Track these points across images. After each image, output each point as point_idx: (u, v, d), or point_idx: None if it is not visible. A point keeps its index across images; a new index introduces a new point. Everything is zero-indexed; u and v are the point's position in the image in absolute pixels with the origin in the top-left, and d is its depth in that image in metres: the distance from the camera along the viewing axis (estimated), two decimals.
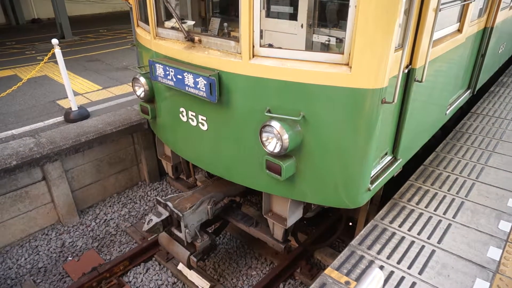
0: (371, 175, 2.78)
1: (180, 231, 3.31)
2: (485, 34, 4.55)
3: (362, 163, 2.62)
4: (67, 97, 5.35)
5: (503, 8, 4.84)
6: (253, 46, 2.52)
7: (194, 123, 3.16)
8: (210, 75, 2.65)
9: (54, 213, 4.88)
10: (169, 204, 3.28)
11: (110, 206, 5.30)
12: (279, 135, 2.51)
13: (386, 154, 3.04)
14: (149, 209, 5.28)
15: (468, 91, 4.79)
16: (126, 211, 5.22)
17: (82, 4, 15.99)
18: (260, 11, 2.45)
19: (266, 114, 2.58)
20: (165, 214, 3.32)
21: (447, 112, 4.11)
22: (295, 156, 2.69)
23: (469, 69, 4.60)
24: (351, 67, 2.31)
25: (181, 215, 3.20)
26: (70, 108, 5.32)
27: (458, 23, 3.55)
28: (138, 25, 3.87)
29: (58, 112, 5.68)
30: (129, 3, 3.95)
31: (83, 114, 5.37)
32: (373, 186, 2.78)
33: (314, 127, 2.55)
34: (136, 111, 5.51)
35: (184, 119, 3.24)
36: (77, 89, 6.70)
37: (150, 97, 3.66)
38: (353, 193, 2.73)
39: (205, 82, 2.71)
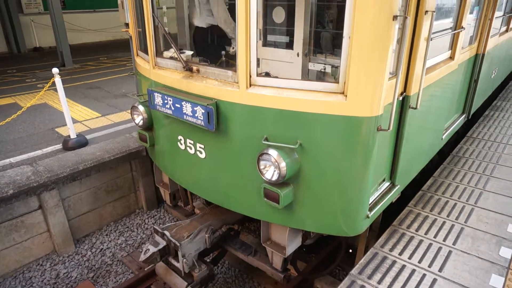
0: (370, 202, 2.77)
1: (178, 261, 3.26)
2: (477, 60, 4.65)
3: (360, 190, 2.62)
4: (66, 125, 5.38)
5: (493, 35, 4.98)
6: (250, 76, 2.57)
7: (192, 151, 3.17)
8: (208, 104, 2.69)
9: (50, 242, 4.80)
10: (167, 233, 3.24)
11: (106, 234, 5.23)
12: (276, 163, 2.51)
13: (384, 180, 3.04)
14: (146, 238, 5.20)
15: (463, 116, 4.84)
16: (123, 239, 5.14)
17: (83, 33, 16.32)
18: (257, 42, 2.52)
19: (264, 142, 2.59)
20: (162, 243, 3.28)
21: (443, 136, 4.15)
22: (293, 184, 2.69)
23: (463, 94, 4.68)
24: (346, 95, 2.35)
25: (178, 244, 3.15)
26: (69, 136, 5.34)
27: (450, 51, 3.64)
28: (137, 55, 3.95)
29: (57, 140, 5.70)
30: (129, 33, 4.04)
31: (81, 142, 5.38)
32: (372, 213, 2.76)
33: (311, 155, 2.56)
34: (135, 138, 5.54)
35: (182, 147, 3.26)
36: (76, 116, 6.75)
37: (148, 125, 3.68)
38: (352, 220, 2.71)
39: (203, 111, 2.74)
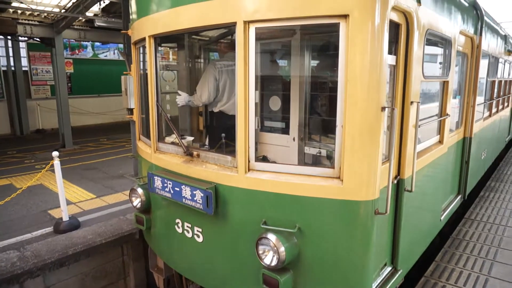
0: (376, 284, 2.66)
1: None
2: (465, 143, 4.86)
3: (362, 276, 2.53)
4: (59, 207, 5.30)
5: (478, 120, 5.27)
6: (249, 161, 2.66)
7: (190, 235, 3.12)
8: (207, 188, 2.73)
9: None
10: None
11: None
12: (275, 247, 2.47)
13: (385, 265, 2.96)
14: None
15: (459, 196, 4.89)
16: None
17: (85, 116, 16.94)
18: (255, 129, 2.66)
19: (262, 226, 2.58)
20: None
21: (442, 218, 4.14)
22: (293, 270, 2.61)
23: (457, 175, 4.78)
24: (342, 180, 2.42)
25: None
26: (61, 218, 5.23)
27: (439, 135, 3.83)
28: (139, 139, 4.09)
29: (48, 223, 5.56)
30: (133, 119, 4.25)
31: (73, 224, 5.24)
32: None
33: (310, 239, 2.53)
34: (129, 220, 5.41)
35: (180, 230, 3.21)
36: (70, 197, 6.68)
37: (146, 208, 3.67)
38: None
39: (202, 195, 2.77)
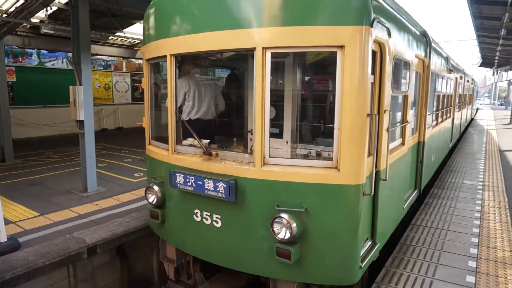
0: (361, 255, 3.42)
1: None
2: (419, 146, 5.87)
3: (354, 244, 3.29)
4: None
5: (428, 127, 6.35)
6: (264, 157, 3.34)
7: (208, 222, 3.71)
8: (229, 180, 3.37)
9: None
10: None
11: None
12: (288, 224, 3.16)
13: (367, 239, 3.74)
14: None
15: (416, 191, 5.88)
16: None
17: (29, 127, 15.69)
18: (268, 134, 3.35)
19: (277, 208, 3.26)
20: None
21: (404, 206, 5.05)
22: (300, 242, 3.30)
23: (413, 173, 5.76)
24: (339, 169, 3.18)
25: None
26: None
27: (401, 138, 4.75)
28: (150, 143, 4.61)
29: None
30: (143, 126, 4.75)
31: (12, 246, 4.83)
32: (363, 264, 3.40)
33: (314, 217, 3.25)
34: (76, 238, 5.22)
35: (198, 219, 3.79)
36: (9, 216, 6.14)
37: (161, 203, 4.19)
38: (349, 270, 3.31)
39: (225, 186, 3.40)
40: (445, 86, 8.56)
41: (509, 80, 38.59)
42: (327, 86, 4.77)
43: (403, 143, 4.76)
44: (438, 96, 7.63)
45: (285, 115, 4.43)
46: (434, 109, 7.23)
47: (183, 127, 4.09)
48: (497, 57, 31.51)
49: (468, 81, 16.78)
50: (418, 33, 5.26)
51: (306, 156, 4.26)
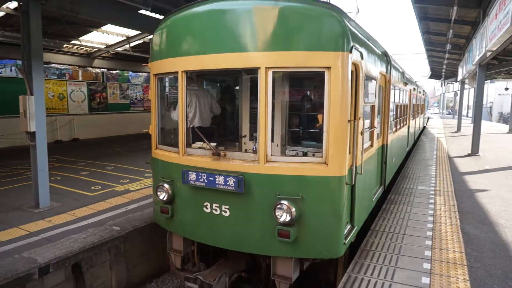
0: (344, 233, 4.25)
1: None
2: (384, 149, 6.89)
3: (339, 224, 4.11)
4: None
5: (390, 133, 7.41)
6: (267, 156, 4.10)
7: (217, 212, 4.39)
8: (238, 175, 4.09)
9: None
10: (200, 277, 4.21)
11: None
12: (288, 209, 3.93)
13: (347, 223, 4.58)
14: None
15: (382, 187, 6.87)
16: None
17: None
18: (270, 138, 4.12)
19: (278, 196, 4.02)
20: (196, 287, 4.20)
21: (373, 199, 5.99)
22: (296, 225, 4.07)
23: (379, 172, 6.76)
24: (327, 164, 4.00)
25: (211, 284, 4.13)
26: None
27: (370, 141, 5.69)
28: (156, 148, 5.21)
29: None
30: (149, 133, 5.32)
31: None
32: (346, 240, 4.23)
33: (308, 203, 4.04)
34: (26, 258, 4.97)
35: (208, 210, 4.45)
36: None
37: (170, 200, 4.80)
38: (336, 246, 4.13)
39: (234, 180, 4.11)
40: (402, 97, 9.80)
41: (455, 91, 42.15)
42: (309, 98, 5.63)
43: (371, 145, 5.70)
44: (397, 106, 8.80)
45: (275, 123, 5.22)
46: (394, 117, 8.36)
47: (191, 132, 4.75)
48: (444, 70, 34.33)
49: (420, 92, 18.60)
50: (381, 53, 6.30)
51: (296, 155, 5.06)
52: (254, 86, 5.38)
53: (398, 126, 9.42)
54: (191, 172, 4.42)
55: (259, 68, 3.99)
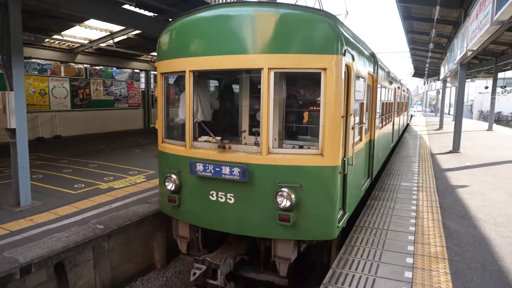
0: (338, 217, 4.74)
1: (215, 280, 4.60)
2: (371, 143, 7.43)
3: (333, 209, 4.59)
4: None
5: (377, 129, 7.95)
6: (268, 148, 4.54)
7: (223, 200, 4.81)
8: (243, 165, 4.52)
9: None
10: (208, 258, 4.63)
11: None
12: (288, 196, 4.38)
13: (340, 209, 5.07)
14: None
15: (369, 179, 7.41)
16: None
17: None
18: (272, 132, 4.56)
19: (279, 184, 4.47)
20: (203, 267, 4.63)
21: (362, 189, 6.51)
22: (295, 210, 4.53)
23: (367, 164, 7.29)
24: (323, 155, 4.47)
25: (219, 264, 4.56)
26: None
27: (359, 135, 6.20)
28: (163, 142, 5.59)
29: None
30: (156, 128, 5.69)
31: None
32: (339, 224, 4.72)
33: (306, 190, 4.50)
34: (6, 258, 4.90)
35: (214, 198, 4.87)
36: None
37: (177, 189, 5.20)
38: (330, 228, 4.61)
39: (239, 170, 4.54)
40: (387, 95, 10.37)
41: (437, 90, 43.43)
42: (304, 97, 6.09)
43: (360, 140, 6.21)
44: (383, 103, 9.36)
45: (273, 118, 5.66)
46: (380, 114, 8.91)
47: (195, 127, 5.15)
48: (427, 68, 35.35)
49: (404, 90, 19.33)
50: (369, 54, 6.80)
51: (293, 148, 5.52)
52: (253, 84, 5.85)
53: (384, 123, 9.99)
54: (198, 164, 4.83)
55: (262, 69, 4.42)
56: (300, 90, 6.51)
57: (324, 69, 4.36)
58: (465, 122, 22.64)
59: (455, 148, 14.48)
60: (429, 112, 61.06)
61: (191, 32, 4.94)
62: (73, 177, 9.45)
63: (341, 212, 5.07)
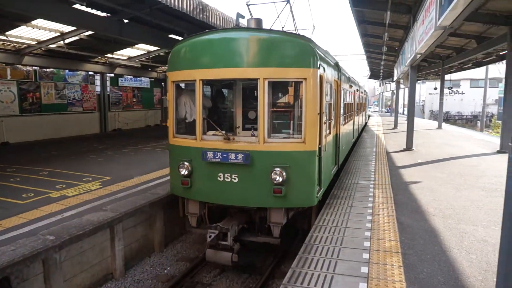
0: (316, 190, 6.29)
1: (226, 241, 6.00)
2: (337, 136, 9.11)
3: (313, 183, 6.14)
4: None
5: (341, 125, 9.66)
6: (264, 138, 6.01)
7: (228, 180, 6.21)
8: (246, 152, 5.96)
9: None
10: (219, 224, 6.01)
11: None
12: (281, 173, 5.87)
13: (317, 184, 6.62)
14: None
15: (336, 166, 9.08)
16: None
17: None
18: (267, 126, 6.03)
19: (273, 165, 5.93)
20: (216, 232, 6.01)
21: (332, 172, 8.15)
22: (285, 184, 6.01)
23: (335, 154, 8.95)
24: (305, 142, 6.01)
25: (228, 228, 5.96)
26: None
27: (329, 129, 7.82)
28: (174, 137, 6.88)
29: None
30: (167, 125, 6.94)
31: None
32: (318, 195, 6.28)
33: (293, 169, 6.00)
34: None
35: (221, 179, 6.25)
36: None
37: (189, 174, 6.52)
38: (311, 198, 6.15)
39: (243, 155, 5.96)
40: (348, 97, 12.19)
41: (392, 91, 46.71)
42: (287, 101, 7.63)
43: (330, 133, 7.84)
44: (345, 104, 11.13)
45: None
46: (343, 112, 10.66)
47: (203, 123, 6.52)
48: (382, 70, 37.21)
49: (362, 92, 21.49)
50: (334, 64, 8.47)
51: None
52: (244, 90, 7.30)
53: (347, 120, 11.77)
54: (209, 152, 6.20)
55: (259, 78, 5.89)
56: (279, 94, 8.04)
57: (305, 78, 5.90)
58: (417, 121, 23.21)
59: (408, 146, 15.22)
60: (385, 112, 64.46)
61: (200, 49, 6.31)
62: (21, 186, 8.92)
63: (318, 187, 6.63)
